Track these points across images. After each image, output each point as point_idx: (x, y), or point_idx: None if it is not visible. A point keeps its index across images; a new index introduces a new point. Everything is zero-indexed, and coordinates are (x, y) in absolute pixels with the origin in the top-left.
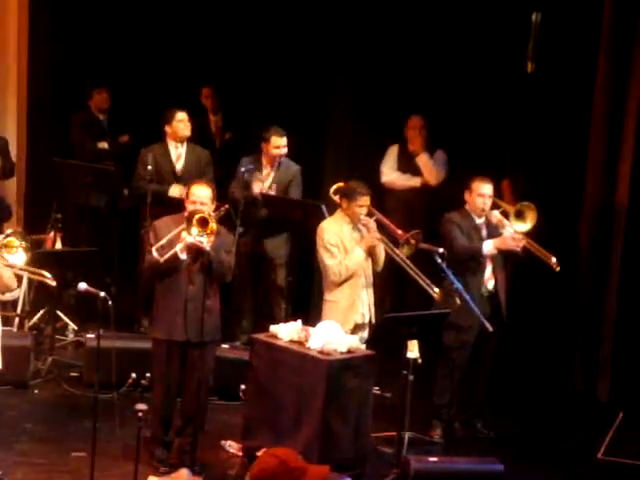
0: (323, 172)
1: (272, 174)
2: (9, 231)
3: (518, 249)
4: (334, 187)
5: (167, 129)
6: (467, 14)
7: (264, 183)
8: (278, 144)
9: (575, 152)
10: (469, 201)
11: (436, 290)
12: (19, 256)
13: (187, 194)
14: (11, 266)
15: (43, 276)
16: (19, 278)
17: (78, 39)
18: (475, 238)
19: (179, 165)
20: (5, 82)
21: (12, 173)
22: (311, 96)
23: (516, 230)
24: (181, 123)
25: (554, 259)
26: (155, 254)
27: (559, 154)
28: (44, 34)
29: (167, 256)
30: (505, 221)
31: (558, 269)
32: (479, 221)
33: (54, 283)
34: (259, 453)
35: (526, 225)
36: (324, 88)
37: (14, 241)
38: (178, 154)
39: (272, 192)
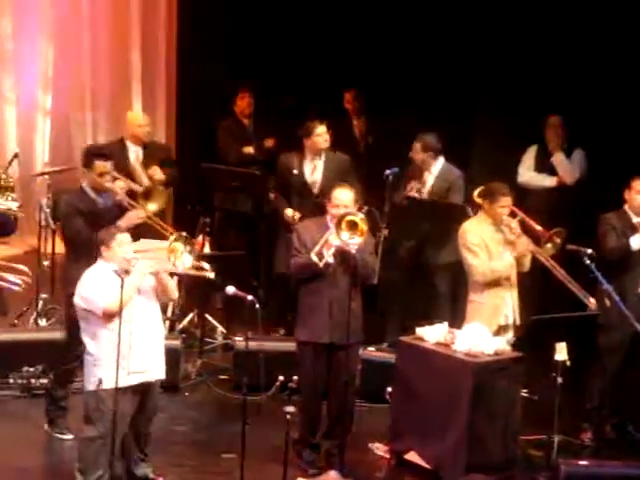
0: (468, 174)
1: (431, 179)
2: (173, 237)
3: None
4: (478, 189)
5: (306, 142)
6: (610, 12)
7: (423, 188)
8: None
9: None
10: (628, 199)
11: (589, 297)
12: (185, 259)
13: (330, 198)
14: (174, 272)
15: (203, 269)
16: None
17: (225, 45)
18: (631, 237)
19: (315, 177)
20: (155, 89)
21: (177, 181)
22: (455, 99)
23: None
24: (320, 137)
25: None
26: (315, 259)
27: None
28: (193, 41)
29: (323, 262)
30: None
31: None
32: (637, 220)
33: (212, 275)
34: (406, 455)
35: None
36: (468, 90)
37: (179, 245)
38: (313, 166)
39: (424, 196)
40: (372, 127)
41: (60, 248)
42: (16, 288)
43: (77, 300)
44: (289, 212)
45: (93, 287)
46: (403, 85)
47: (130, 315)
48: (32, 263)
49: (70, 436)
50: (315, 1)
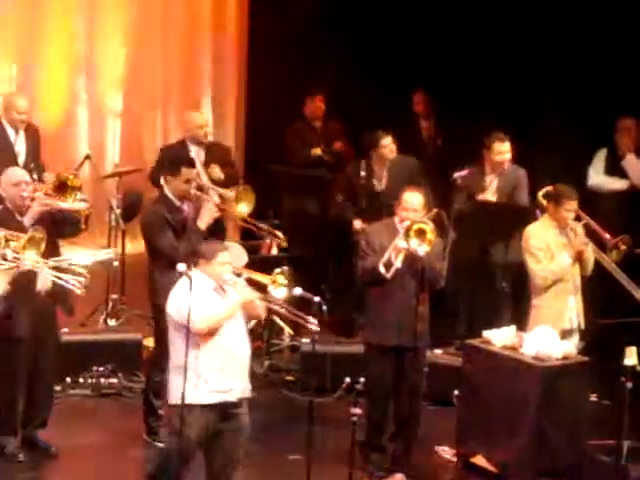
0: (534, 176)
1: (495, 181)
2: (278, 270)
3: None
4: (543, 191)
5: (372, 152)
6: None
7: (487, 190)
8: (500, 150)
9: None
10: None
11: None
12: (280, 291)
13: (400, 201)
14: (271, 301)
15: (306, 320)
16: None
17: (295, 46)
18: None
19: (383, 184)
20: (224, 90)
21: (236, 182)
22: (521, 101)
23: None
24: (386, 148)
25: None
26: (382, 270)
27: None
28: (263, 42)
29: (391, 273)
30: None
31: None
32: None
33: (315, 327)
34: (473, 459)
35: None
36: (534, 92)
37: (280, 278)
38: (381, 174)
39: (493, 198)
40: (441, 129)
41: (130, 248)
42: (78, 291)
43: (170, 310)
44: (357, 225)
45: (186, 302)
46: (470, 86)
47: (220, 332)
48: (102, 263)
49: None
50: (383, 2)
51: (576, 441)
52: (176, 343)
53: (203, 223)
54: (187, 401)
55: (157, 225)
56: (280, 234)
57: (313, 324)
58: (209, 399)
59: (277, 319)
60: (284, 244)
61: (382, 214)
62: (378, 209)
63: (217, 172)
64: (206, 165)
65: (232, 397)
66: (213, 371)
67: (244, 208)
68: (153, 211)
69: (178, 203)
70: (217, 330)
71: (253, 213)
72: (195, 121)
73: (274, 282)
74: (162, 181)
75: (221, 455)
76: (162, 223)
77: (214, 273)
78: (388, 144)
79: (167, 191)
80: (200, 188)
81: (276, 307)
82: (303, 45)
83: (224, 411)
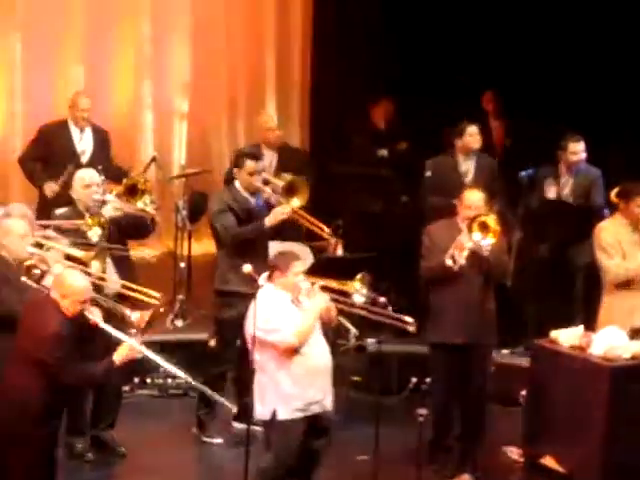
0: (608, 175)
1: (571, 181)
2: (358, 276)
3: None
4: (616, 189)
5: (457, 142)
6: None
7: (562, 190)
8: (575, 150)
9: None
10: None
11: None
12: (360, 297)
13: (461, 199)
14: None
15: (403, 321)
16: None
17: (360, 47)
18: None
19: (469, 177)
20: (289, 92)
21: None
22: (593, 100)
23: None
24: (472, 137)
25: None
26: (449, 263)
27: None
28: (327, 44)
29: (457, 266)
30: None
31: None
32: None
33: (413, 327)
34: (541, 459)
35: None
36: (606, 90)
37: (358, 285)
38: (467, 167)
39: (568, 199)
40: (510, 129)
41: (196, 249)
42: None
43: (257, 332)
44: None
45: (273, 320)
46: (540, 86)
47: (305, 346)
48: (169, 264)
49: (219, 440)
50: (453, 3)
51: None
52: (264, 361)
53: (269, 221)
54: (280, 417)
55: (218, 208)
56: (327, 229)
57: (412, 325)
58: (301, 413)
59: (343, 320)
60: (333, 241)
61: None
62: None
63: (287, 179)
64: (278, 170)
65: (321, 408)
66: (301, 384)
67: (296, 202)
68: (218, 197)
69: (246, 194)
70: (305, 342)
71: (316, 212)
72: (264, 123)
73: (353, 289)
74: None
75: (306, 457)
76: (223, 207)
77: (290, 284)
78: (475, 132)
79: (236, 183)
80: (266, 182)
81: (362, 312)
82: (369, 46)
83: (314, 422)
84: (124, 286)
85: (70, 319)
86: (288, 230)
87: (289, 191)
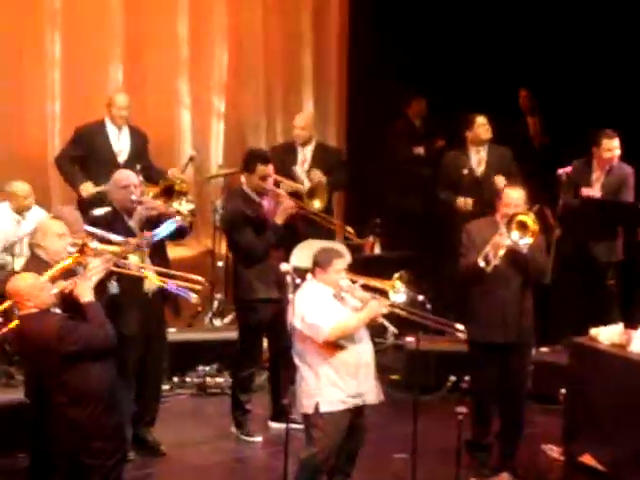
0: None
1: (602, 178)
2: (397, 275)
3: None
4: None
5: (468, 134)
6: None
7: (594, 186)
8: (610, 147)
9: None
10: None
11: None
12: (400, 296)
13: (501, 196)
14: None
15: (452, 327)
16: None
17: (396, 46)
18: None
19: (480, 169)
20: (326, 92)
21: (341, 188)
22: (625, 97)
23: None
24: (481, 127)
25: None
26: (482, 264)
27: None
28: (364, 44)
29: (491, 267)
30: None
31: None
32: None
33: (463, 334)
34: (581, 458)
35: None
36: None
37: (398, 283)
38: (479, 158)
39: (597, 195)
40: (548, 126)
41: None
42: (193, 300)
43: (299, 325)
44: (460, 201)
45: (317, 314)
46: (576, 83)
47: (349, 341)
48: (207, 264)
49: (258, 438)
50: (490, 2)
51: None
52: (305, 353)
53: (279, 219)
54: (322, 409)
55: (237, 222)
56: (351, 229)
57: (461, 332)
58: (344, 405)
59: (381, 318)
60: (356, 239)
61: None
62: (478, 195)
63: (319, 175)
64: (311, 167)
65: (364, 401)
66: (345, 377)
67: (316, 204)
68: (233, 209)
69: (257, 198)
70: (342, 338)
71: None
72: (295, 122)
73: (393, 287)
74: (242, 178)
75: (344, 454)
76: (242, 220)
77: (331, 281)
78: (484, 123)
79: (245, 187)
80: (277, 184)
81: (405, 314)
82: (405, 45)
83: (355, 415)
84: (164, 274)
85: (51, 306)
86: (319, 231)
87: (310, 195)
